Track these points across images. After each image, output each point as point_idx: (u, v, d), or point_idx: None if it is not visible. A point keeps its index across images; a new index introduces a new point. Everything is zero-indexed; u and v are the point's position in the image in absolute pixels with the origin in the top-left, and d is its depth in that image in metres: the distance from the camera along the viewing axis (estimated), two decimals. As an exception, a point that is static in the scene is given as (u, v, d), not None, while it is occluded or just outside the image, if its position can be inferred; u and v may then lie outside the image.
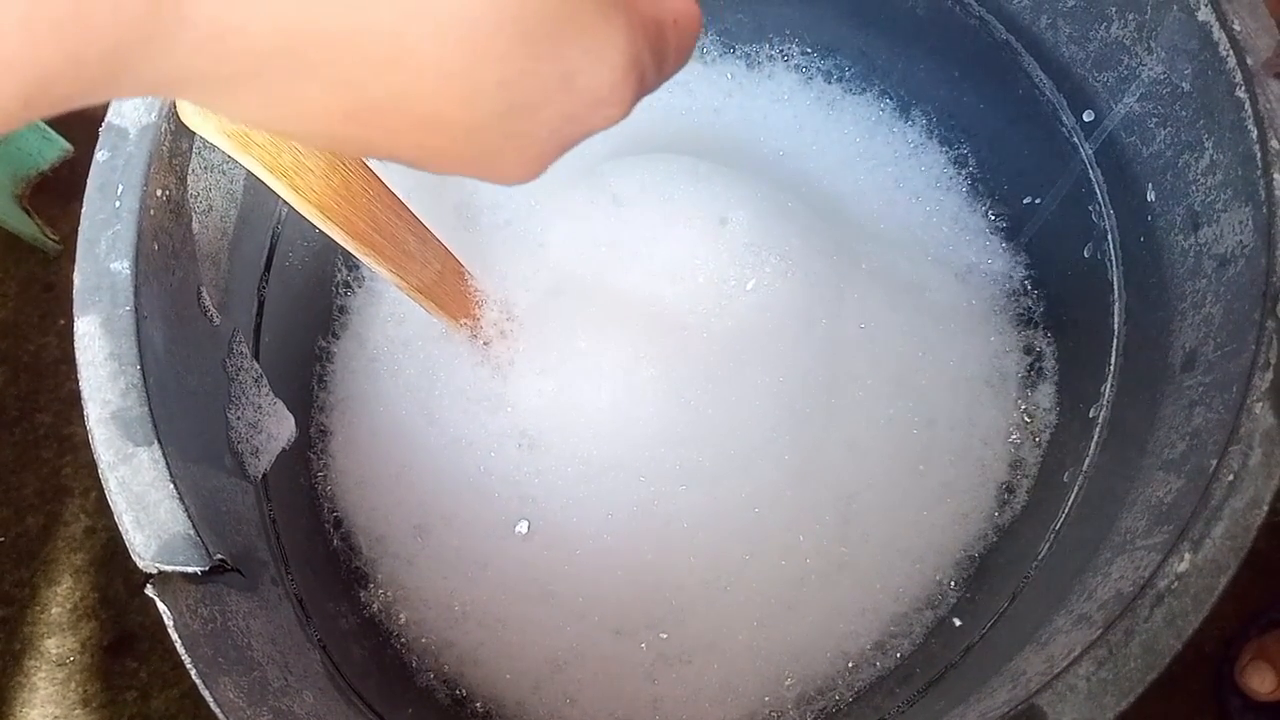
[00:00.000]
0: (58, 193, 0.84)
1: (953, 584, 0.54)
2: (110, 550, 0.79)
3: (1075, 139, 0.53)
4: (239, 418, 0.46)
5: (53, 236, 0.85)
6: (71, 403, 0.81)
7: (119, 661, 0.76)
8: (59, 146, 0.82)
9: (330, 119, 0.19)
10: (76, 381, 0.39)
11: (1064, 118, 0.53)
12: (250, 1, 0.16)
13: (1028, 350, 0.59)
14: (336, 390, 0.58)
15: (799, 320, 0.54)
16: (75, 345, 0.39)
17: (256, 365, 0.48)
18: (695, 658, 0.52)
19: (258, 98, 0.18)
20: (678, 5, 0.24)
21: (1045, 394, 0.57)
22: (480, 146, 0.21)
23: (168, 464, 0.37)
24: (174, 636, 0.35)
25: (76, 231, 0.40)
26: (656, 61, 0.23)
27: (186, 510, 0.37)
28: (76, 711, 0.76)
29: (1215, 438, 0.38)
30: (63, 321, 0.84)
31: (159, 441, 0.38)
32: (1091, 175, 0.53)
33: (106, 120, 0.42)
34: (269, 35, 0.17)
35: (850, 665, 0.53)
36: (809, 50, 0.65)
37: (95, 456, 0.38)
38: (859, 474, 0.54)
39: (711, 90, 0.65)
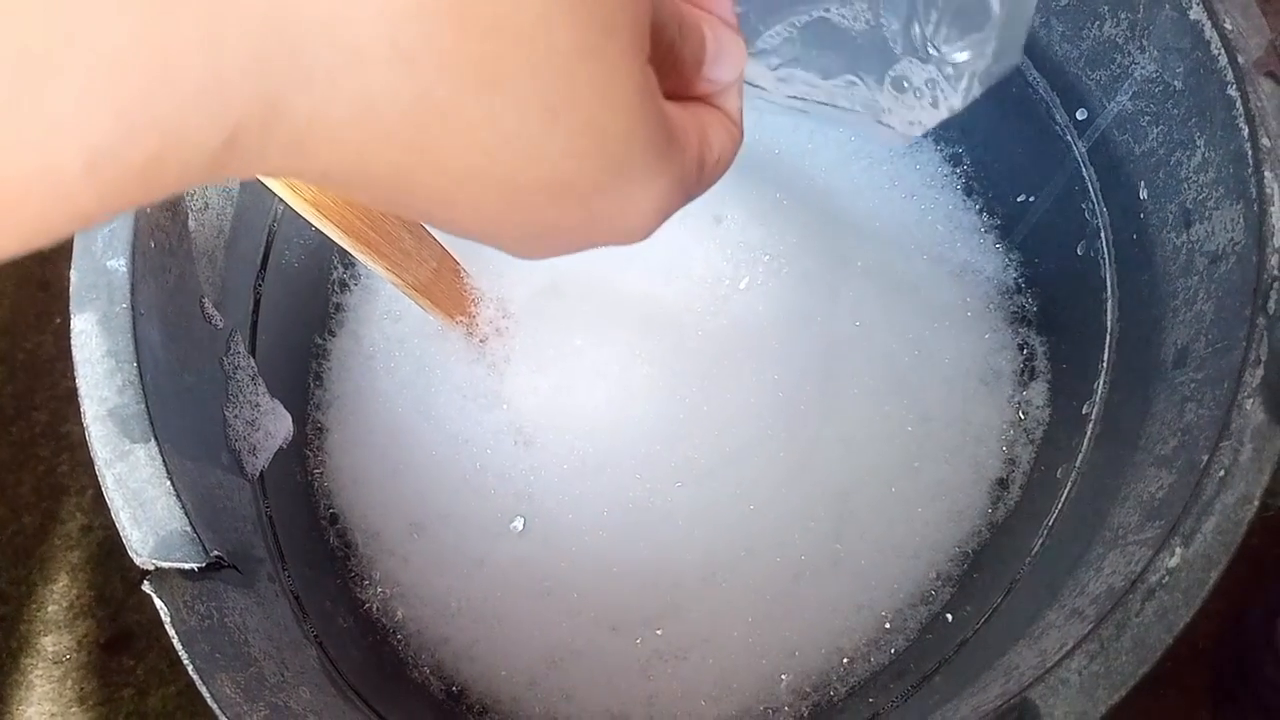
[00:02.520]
0: (53, 191, 0.84)
1: (947, 580, 0.54)
2: (107, 548, 0.79)
3: (1068, 137, 0.53)
4: (236, 415, 0.46)
5: (48, 235, 0.85)
6: (67, 401, 0.81)
7: (116, 659, 0.76)
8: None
9: (373, 206, 0.21)
10: (72, 379, 0.39)
11: (1057, 116, 0.54)
12: (314, 152, 0.17)
13: (1021, 348, 0.59)
14: (333, 387, 0.58)
15: (793, 318, 0.54)
16: (72, 342, 0.39)
17: (253, 363, 0.48)
18: (690, 654, 0.53)
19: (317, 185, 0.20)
20: (722, 143, 0.24)
21: (1038, 391, 0.57)
22: (500, 246, 0.22)
23: (164, 461, 0.37)
24: (171, 632, 0.36)
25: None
26: (687, 199, 0.24)
27: (183, 507, 0.37)
28: (73, 709, 0.76)
29: (1206, 433, 0.38)
30: (58, 320, 0.84)
31: (156, 438, 0.38)
32: (1084, 173, 0.53)
33: (103, 118, 0.42)
34: (327, 172, 0.18)
35: (845, 661, 0.53)
36: (804, 49, 0.65)
37: (92, 453, 0.38)
38: (853, 471, 0.54)
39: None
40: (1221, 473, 0.36)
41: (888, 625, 0.53)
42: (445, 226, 0.21)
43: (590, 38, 0.18)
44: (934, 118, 0.26)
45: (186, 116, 0.15)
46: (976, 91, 0.26)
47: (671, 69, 0.23)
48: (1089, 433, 0.50)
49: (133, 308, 0.39)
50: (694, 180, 0.23)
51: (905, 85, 0.25)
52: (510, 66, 0.17)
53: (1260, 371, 0.37)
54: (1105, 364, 0.51)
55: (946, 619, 0.53)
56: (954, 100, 0.26)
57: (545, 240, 0.22)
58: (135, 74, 0.14)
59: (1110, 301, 0.51)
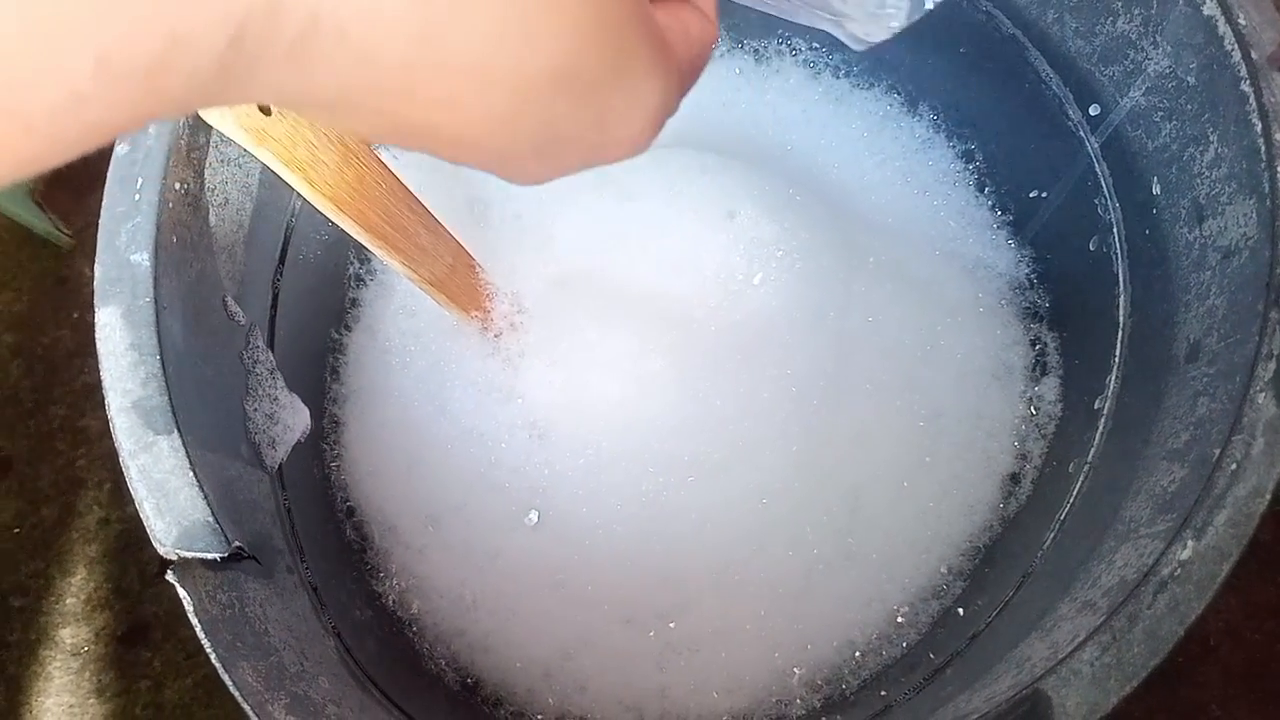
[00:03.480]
0: (70, 187, 0.85)
1: (958, 573, 0.54)
2: (124, 541, 0.79)
3: (1081, 133, 0.53)
4: (256, 409, 0.47)
5: (66, 231, 0.86)
6: (85, 395, 0.82)
7: (133, 651, 0.77)
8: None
9: (368, 133, 0.20)
10: (90, 374, 0.39)
11: (1070, 111, 0.54)
12: (321, 55, 0.17)
13: (1033, 343, 0.59)
14: (349, 382, 0.58)
15: (807, 313, 0.54)
16: (96, 335, 0.39)
17: (272, 357, 0.49)
18: (703, 647, 0.53)
19: (307, 113, 0.20)
20: (701, 38, 0.24)
21: (1051, 386, 0.57)
22: (508, 161, 0.22)
23: (187, 452, 0.38)
24: (194, 621, 0.36)
25: (89, 226, 0.41)
26: (680, 95, 0.24)
27: (206, 498, 0.37)
28: (91, 700, 0.76)
29: (1219, 427, 0.38)
30: (76, 315, 0.85)
31: (179, 430, 0.38)
32: (1097, 169, 0.53)
33: (125, 115, 0.43)
34: (336, 80, 0.17)
35: (857, 654, 0.53)
36: (817, 45, 0.65)
37: (116, 444, 0.38)
38: (866, 465, 0.55)
39: (720, 84, 0.65)
40: (1233, 466, 0.36)
41: (900, 619, 0.54)
42: (456, 144, 0.20)
43: None
44: (885, 28, 0.26)
45: (190, 7, 0.14)
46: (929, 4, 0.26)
47: None
48: (1101, 427, 0.50)
49: (155, 301, 0.40)
50: (685, 75, 0.23)
51: None
52: None
53: (1273, 365, 0.37)
54: (1117, 359, 0.51)
55: (958, 612, 0.53)
56: (903, 11, 0.26)
57: (556, 150, 0.22)
58: None
59: (1122, 297, 0.51)
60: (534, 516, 0.54)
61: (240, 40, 0.15)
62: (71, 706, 0.77)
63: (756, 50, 0.65)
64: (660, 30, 0.22)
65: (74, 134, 0.15)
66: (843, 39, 0.25)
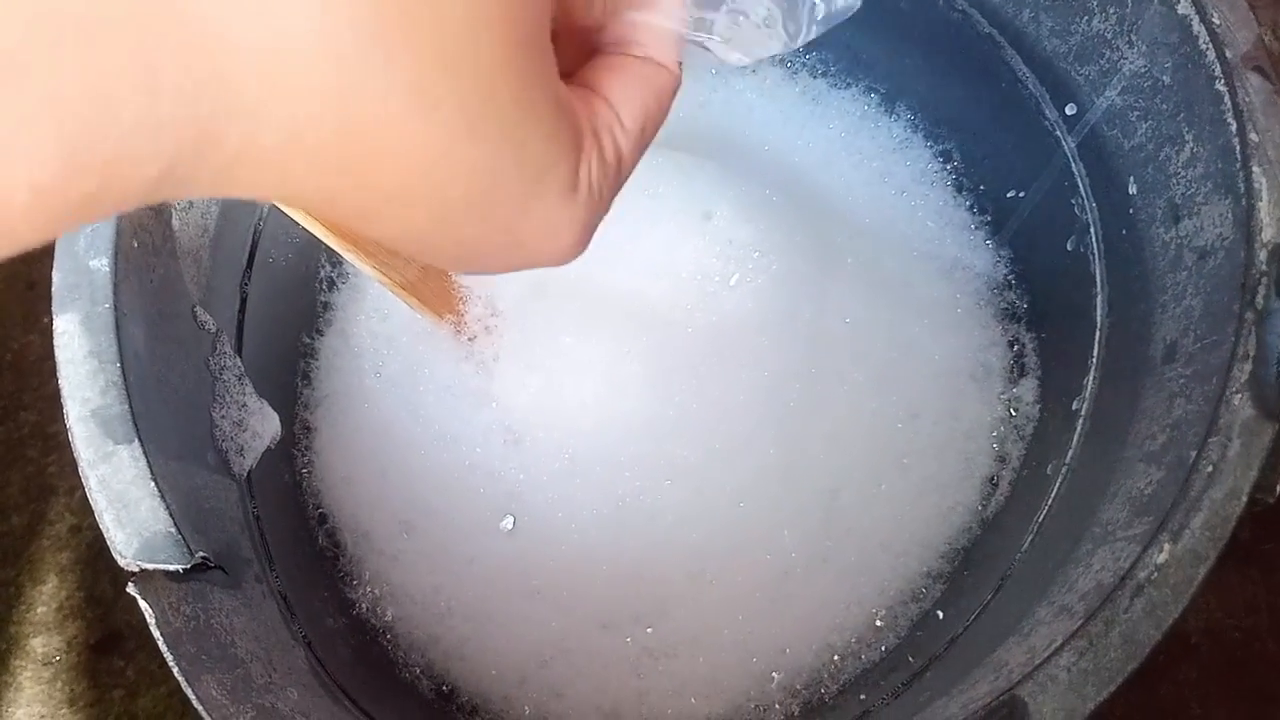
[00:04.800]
0: (40, 190, 0.83)
1: (937, 577, 0.54)
2: (96, 549, 0.78)
3: (1058, 132, 0.53)
4: (223, 416, 0.46)
5: (36, 234, 0.84)
6: (56, 401, 0.80)
7: (105, 660, 0.76)
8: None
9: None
10: (59, 380, 0.38)
11: (1047, 111, 0.53)
12: (244, 178, 0.17)
13: (1011, 344, 0.59)
14: (320, 386, 0.58)
15: (783, 315, 0.54)
16: (55, 343, 0.39)
17: (240, 363, 0.48)
18: (681, 651, 0.53)
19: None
20: (643, 117, 0.24)
21: (1028, 387, 0.57)
22: (440, 260, 0.23)
23: (148, 462, 0.37)
24: (156, 634, 0.35)
25: (57, 229, 0.40)
26: (611, 199, 0.24)
27: (168, 508, 0.37)
28: (63, 710, 0.75)
29: (1195, 429, 0.38)
30: (46, 320, 0.84)
31: (139, 439, 0.38)
32: (1074, 169, 0.53)
33: (85, 116, 0.42)
34: (256, 195, 0.18)
35: (835, 658, 0.53)
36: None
37: (75, 454, 0.37)
38: (843, 468, 0.54)
39: (696, 84, 0.65)
40: (1210, 468, 0.36)
41: (878, 622, 0.53)
42: (377, 239, 0.21)
43: (510, 53, 0.18)
44: (763, 51, 0.26)
45: (126, 149, 0.15)
46: (814, 32, 0.25)
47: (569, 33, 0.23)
48: (1079, 429, 0.50)
49: (116, 308, 0.39)
50: (613, 180, 0.23)
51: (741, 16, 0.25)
52: (438, 90, 0.17)
53: (1248, 366, 0.37)
54: (1095, 360, 0.51)
55: (937, 616, 0.53)
56: (788, 36, 0.26)
57: (478, 262, 0.23)
58: (79, 108, 0.14)
59: (1100, 297, 0.51)
60: (509, 521, 0.54)
61: (170, 171, 0.16)
62: (43, 717, 0.75)
63: (733, 50, 0.65)
64: (582, 148, 0.22)
65: (4, 246, 0.16)
66: (714, 50, 0.24)
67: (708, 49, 0.25)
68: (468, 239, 0.21)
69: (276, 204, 0.37)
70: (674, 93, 0.25)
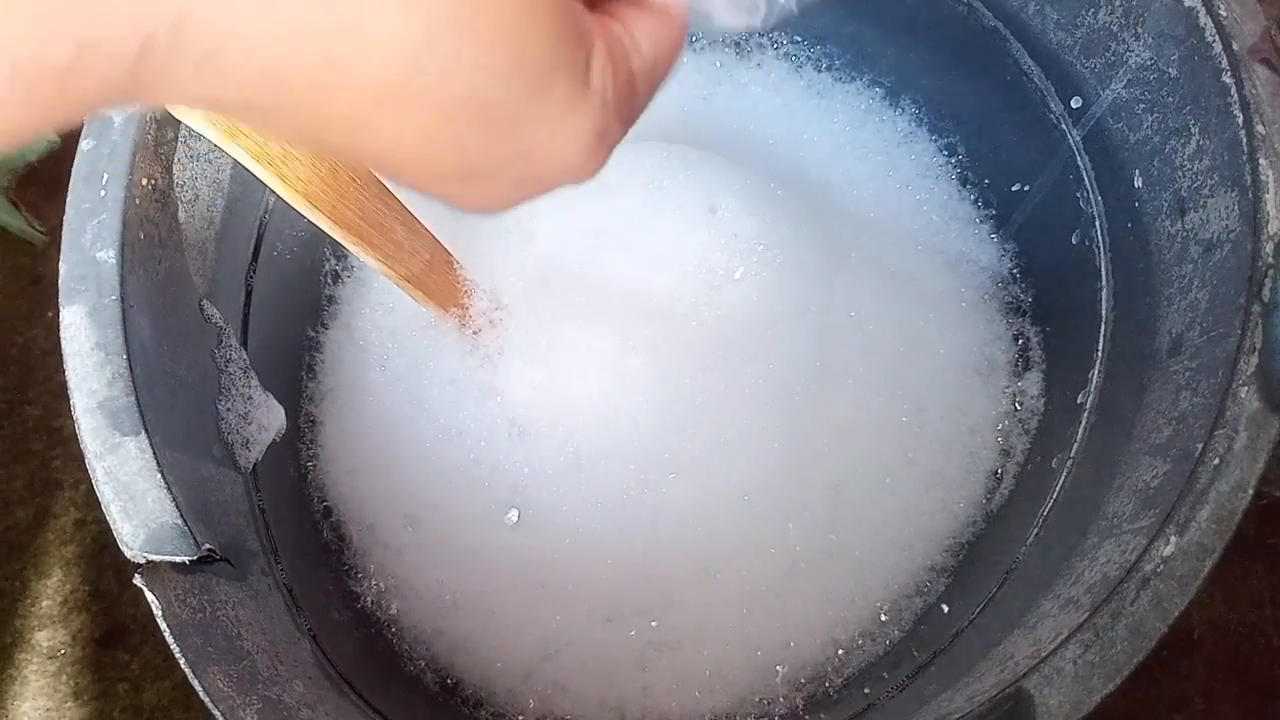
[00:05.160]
0: (45, 184, 0.83)
1: (942, 570, 0.54)
2: (101, 543, 0.78)
3: (1063, 125, 0.53)
4: (229, 409, 0.46)
5: (40, 228, 0.84)
6: (61, 395, 0.81)
7: (110, 654, 0.76)
8: (46, 138, 0.82)
9: (295, 143, 0.20)
10: (65, 373, 0.38)
11: (1052, 104, 0.53)
12: (229, 70, 0.17)
13: (1016, 338, 0.59)
14: (325, 380, 0.58)
15: (788, 309, 0.54)
16: (61, 335, 0.39)
17: (245, 355, 0.48)
18: (685, 645, 0.53)
19: (230, 118, 0.20)
20: (656, 48, 0.23)
21: (1033, 381, 0.57)
22: (441, 191, 0.22)
23: (155, 454, 0.37)
24: (162, 626, 0.35)
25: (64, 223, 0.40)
26: (627, 119, 0.23)
27: (174, 500, 0.37)
28: (68, 704, 0.75)
29: (1201, 422, 0.38)
30: (51, 314, 0.84)
31: (146, 431, 0.38)
32: (1079, 162, 0.53)
33: (91, 109, 0.42)
34: (245, 97, 0.18)
35: (840, 652, 0.53)
36: (798, 38, 0.65)
37: (82, 446, 0.37)
38: (848, 462, 0.54)
39: (701, 78, 0.65)
40: (1216, 461, 0.36)
41: (883, 616, 0.53)
42: (380, 165, 0.20)
43: None
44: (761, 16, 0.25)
45: (99, 20, 0.15)
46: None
47: None
48: (1084, 422, 0.50)
49: (122, 300, 0.39)
50: (626, 95, 0.22)
51: None
52: None
53: (1255, 359, 0.37)
54: (1100, 353, 0.51)
55: (942, 609, 0.52)
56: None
57: (484, 181, 0.21)
58: None
59: (1105, 290, 0.51)
60: (514, 515, 0.54)
61: (149, 53, 0.16)
62: (49, 710, 0.76)
63: (738, 43, 0.65)
64: (592, 53, 0.21)
65: None
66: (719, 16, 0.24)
67: (708, 12, 0.24)
68: (470, 150, 0.20)
69: (276, 186, 0.37)
70: (683, 40, 0.24)
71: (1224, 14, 0.42)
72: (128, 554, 0.36)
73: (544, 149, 0.21)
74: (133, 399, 0.38)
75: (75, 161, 0.41)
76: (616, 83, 0.21)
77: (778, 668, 0.53)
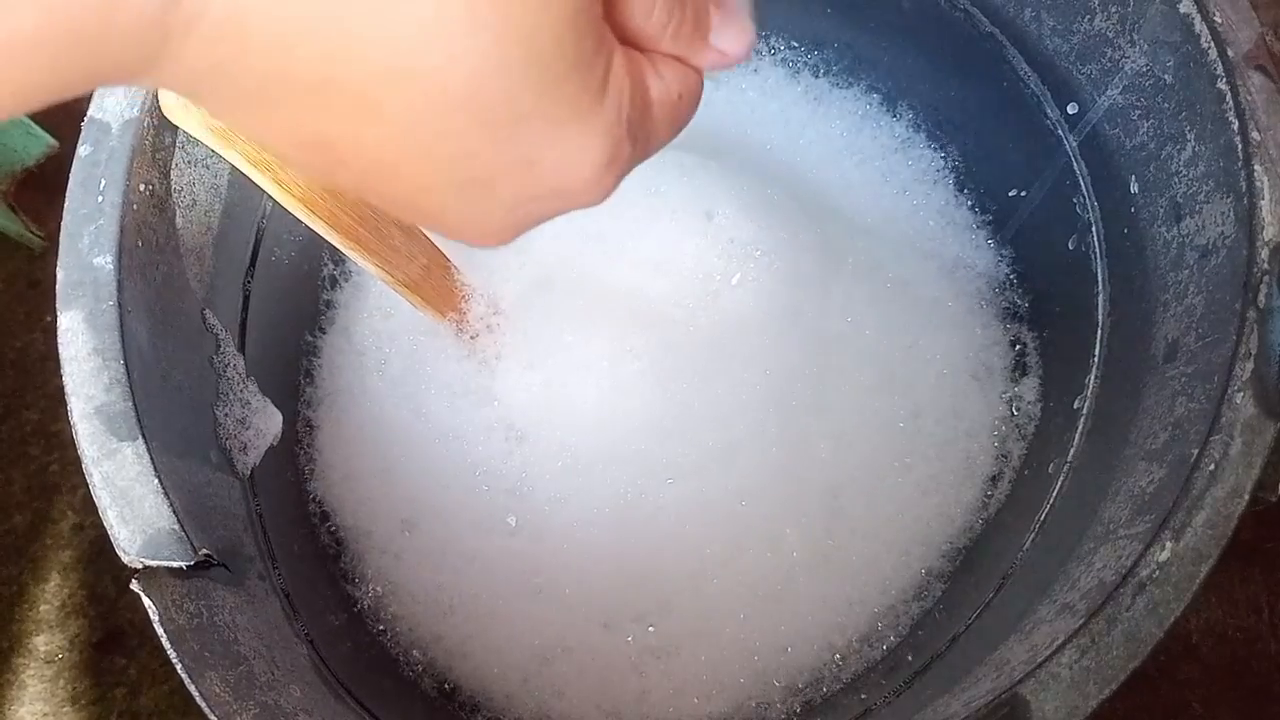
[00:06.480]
0: (43, 189, 0.83)
1: (938, 575, 0.54)
2: (98, 547, 0.78)
3: (1059, 131, 0.53)
4: (227, 414, 0.46)
5: (38, 233, 0.84)
6: (58, 399, 0.81)
7: (108, 658, 0.76)
8: (44, 142, 0.82)
9: (291, 143, 0.19)
10: (63, 378, 0.38)
11: (1048, 110, 0.53)
12: (246, 35, 0.17)
13: (1013, 343, 0.59)
14: (323, 385, 0.58)
15: (785, 314, 0.54)
16: (59, 340, 0.39)
17: (243, 361, 0.48)
18: (682, 650, 0.53)
19: (230, 107, 0.19)
20: (679, 84, 0.22)
21: (1030, 386, 0.57)
22: (438, 205, 0.21)
23: (152, 459, 0.37)
24: (159, 631, 0.35)
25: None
26: (641, 146, 0.22)
27: (171, 505, 0.37)
28: (65, 709, 0.75)
29: (1197, 427, 0.38)
30: (49, 318, 0.84)
31: (143, 436, 0.38)
32: (1076, 168, 0.53)
33: (88, 114, 0.42)
34: (257, 68, 0.18)
35: (837, 657, 0.53)
36: (796, 44, 0.65)
37: (79, 451, 0.38)
38: (845, 467, 0.54)
39: (698, 84, 0.65)
40: (1212, 466, 0.36)
41: (880, 621, 0.53)
42: (378, 167, 0.20)
43: None
44: None
45: None
46: None
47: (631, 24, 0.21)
48: (1080, 427, 0.50)
49: (119, 305, 0.39)
50: (642, 117, 0.21)
51: None
52: None
53: (1250, 365, 0.37)
54: (1096, 359, 0.51)
55: (938, 614, 0.53)
56: None
57: (484, 190, 0.20)
58: None
59: (1101, 296, 0.51)
60: (511, 520, 0.54)
61: (164, 18, 0.16)
62: (46, 715, 0.75)
63: (735, 49, 0.65)
64: (611, 63, 0.20)
65: (12, 93, 0.16)
66: None
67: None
68: (470, 149, 0.19)
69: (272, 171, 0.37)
70: (700, 92, 0.23)
71: (1219, 20, 0.42)
72: (125, 559, 0.36)
73: (549, 158, 0.20)
74: (130, 404, 0.38)
75: (73, 166, 0.41)
76: (634, 100, 0.21)
77: (774, 673, 0.53)
